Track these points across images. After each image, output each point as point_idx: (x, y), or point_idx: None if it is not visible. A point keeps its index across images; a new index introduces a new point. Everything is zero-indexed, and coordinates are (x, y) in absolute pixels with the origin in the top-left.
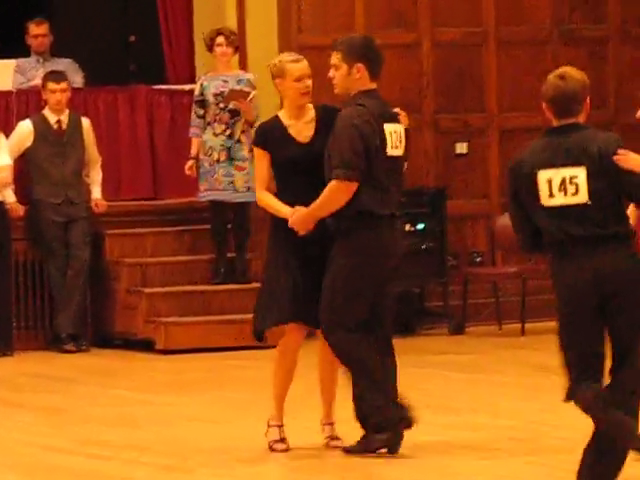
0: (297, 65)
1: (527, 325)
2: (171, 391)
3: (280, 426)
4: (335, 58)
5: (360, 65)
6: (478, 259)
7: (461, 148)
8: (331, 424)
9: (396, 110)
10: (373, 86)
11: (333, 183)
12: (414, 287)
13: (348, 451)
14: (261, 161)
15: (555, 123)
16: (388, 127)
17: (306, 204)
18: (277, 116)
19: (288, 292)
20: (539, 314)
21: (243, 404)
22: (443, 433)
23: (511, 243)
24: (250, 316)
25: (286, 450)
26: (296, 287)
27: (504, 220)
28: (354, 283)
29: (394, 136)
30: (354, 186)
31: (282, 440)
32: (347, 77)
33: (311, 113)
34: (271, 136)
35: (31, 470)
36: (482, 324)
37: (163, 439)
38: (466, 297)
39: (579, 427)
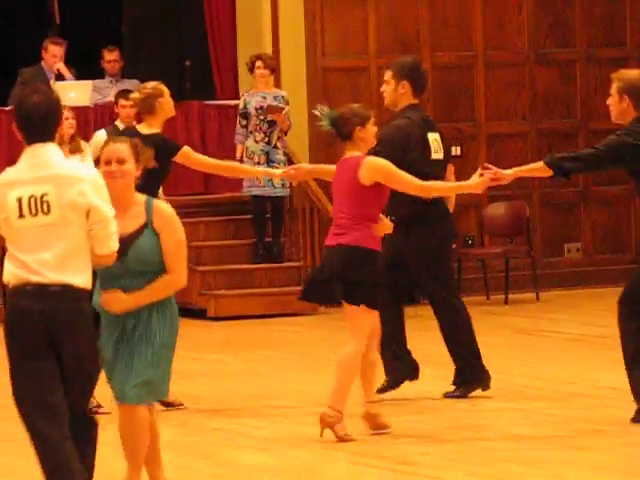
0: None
1: (510, 296)
2: (220, 351)
3: None
4: (387, 75)
5: (405, 83)
6: (470, 241)
7: (455, 151)
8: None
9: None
10: (416, 101)
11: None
12: None
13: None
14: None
15: None
16: (430, 135)
17: None
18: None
19: None
20: (520, 287)
21: (282, 362)
22: (444, 385)
23: (496, 228)
24: (285, 289)
25: None
26: None
27: (491, 210)
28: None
29: (435, 143)
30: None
31: None
32: (394, 92)
33: None
34: None
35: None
36: (473, 295)
37: (213, 390)
38: (460, 273)
39: (548, 379)
